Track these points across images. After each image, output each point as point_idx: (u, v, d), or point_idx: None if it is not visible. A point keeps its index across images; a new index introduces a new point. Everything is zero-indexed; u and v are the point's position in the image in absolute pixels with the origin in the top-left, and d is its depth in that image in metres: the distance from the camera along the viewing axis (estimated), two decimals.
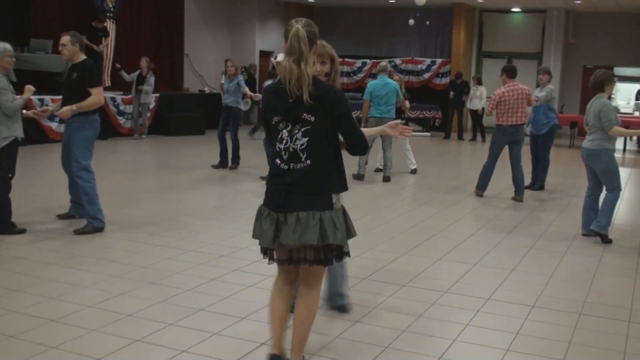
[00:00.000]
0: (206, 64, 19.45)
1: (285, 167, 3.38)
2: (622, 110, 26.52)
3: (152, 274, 5.23)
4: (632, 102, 24.05)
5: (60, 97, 6.67)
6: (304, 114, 3.32)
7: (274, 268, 3.65)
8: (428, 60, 20.28)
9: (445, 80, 19.65)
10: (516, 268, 5.84)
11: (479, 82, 17.65)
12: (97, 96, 6.41)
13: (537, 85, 10.53)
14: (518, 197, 9.15)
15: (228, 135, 10.93)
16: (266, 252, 3.51)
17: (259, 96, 10.67)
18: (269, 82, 10.42)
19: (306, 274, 3.51)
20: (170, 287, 4.95)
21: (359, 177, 10.26)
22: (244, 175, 10.41)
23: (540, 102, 9.91)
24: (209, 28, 19.64)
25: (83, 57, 6.52)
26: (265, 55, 21.01)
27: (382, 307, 4.71)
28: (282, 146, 3.39)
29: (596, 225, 6.90)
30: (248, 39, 20.55)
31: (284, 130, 3.38)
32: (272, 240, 3.38)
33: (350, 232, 3.50)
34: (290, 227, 3.31)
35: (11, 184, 6.28)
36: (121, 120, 15.14)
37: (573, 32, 19.91)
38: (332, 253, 3.42)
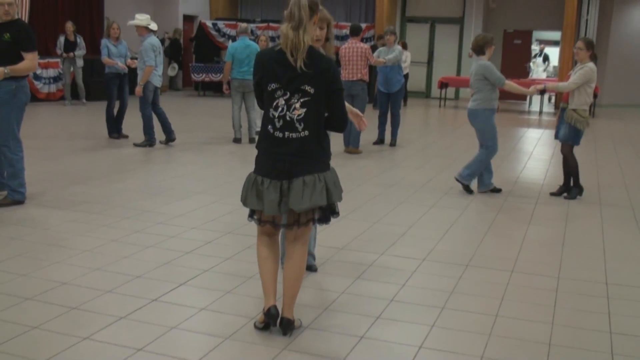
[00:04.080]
0: (128, 28, 18.98)
1: (280, 134, 3.41)
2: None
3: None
4: (550, 66, 24.75)
5: None
6: (306, 86, 3.37)
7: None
8: None
9: (370, 45, 19.79)
10: (382, 220, 6.16)
11: (403, 47, 17.87)
12: (32, 61, 5.95)
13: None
14: (347, 148, 9.78)
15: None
16: (253, 215, 3.57)
17: (135, 62, 10.06)
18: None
19: (298, 233, 3.55)
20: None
21: (236, 140, 10.53)
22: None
23: (391, 63, 10.28)
24: None
25: (16, 16, 6.00)
26: (189, 19, 20.74)
27: None
28: (276, 113, 3.41)
29: (458, 174, 7.34)
30: (171, 2, 20.19)
31: (281, 99, 3.40)
32: (277, 207, 3.42)
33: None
34: (298, 192, 3.37)
35: None
36: (38, 85, 14.81)
37: None
38: (332, 211, 3.56)
